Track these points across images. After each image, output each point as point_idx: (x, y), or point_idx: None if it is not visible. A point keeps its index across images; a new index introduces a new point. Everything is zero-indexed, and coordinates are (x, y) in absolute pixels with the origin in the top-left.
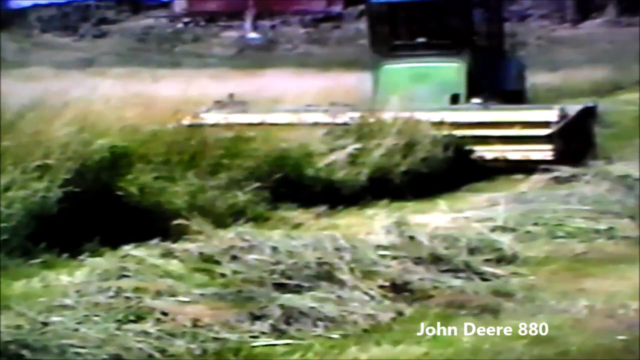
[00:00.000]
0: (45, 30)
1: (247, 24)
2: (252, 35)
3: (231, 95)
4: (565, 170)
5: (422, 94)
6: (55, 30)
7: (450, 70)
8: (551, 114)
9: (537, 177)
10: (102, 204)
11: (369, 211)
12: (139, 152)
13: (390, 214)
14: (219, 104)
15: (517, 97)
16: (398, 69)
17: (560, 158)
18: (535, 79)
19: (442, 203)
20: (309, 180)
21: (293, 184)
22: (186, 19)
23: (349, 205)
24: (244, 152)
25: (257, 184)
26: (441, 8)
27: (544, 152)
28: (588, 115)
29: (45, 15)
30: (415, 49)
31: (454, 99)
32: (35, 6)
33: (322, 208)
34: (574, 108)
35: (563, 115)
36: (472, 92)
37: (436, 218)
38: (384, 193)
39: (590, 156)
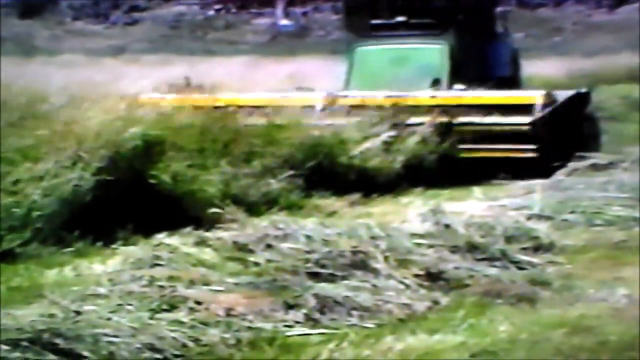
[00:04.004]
0: (77, 18)
1: (279, 10)
2: (284, 22)
3: (187, 79)
4: (602, 157)
5: (400, 78)
6: (86, 17)
7: (432, 53)
8: (535, 99)
9: (574, 164)
10: (134, 192)
11: (404, 199)
12: (172, 140)
13: (425, 201)
14: (174, 88)
15: (509, 84)
16: (374, 51)
17: (545, 149)
18: (572, 64)
19: (477, 191)
20: (343, 167)
21: (327, 172)
22: (217, 6)
23: (384, 193)
24: (277, 139)
25: (291, 172)
26: None
27: (525, 142)
28: (580, 102)
29: (77, 3)
30: (394, 29)
31: (435, 84)
32: None
33: (356, 196)
34: (564, 94)
35: (551, 101)
36: (455, 77)
37: (471, 206)
38: (419, 180)
39: (588, 146)
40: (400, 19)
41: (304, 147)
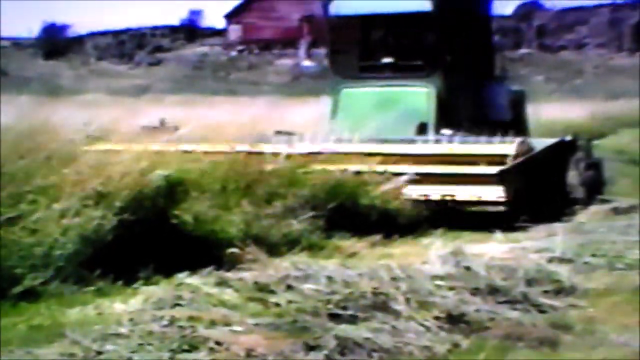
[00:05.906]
0: (102, 58)
1: (302, 51)
2: (307, 63)
3: (162, 121)
4: (623, 201)
5: (385, 122)
6: (111, 57)
7: (418, 96)
8: (505, 149)
9: (595, 208)
10: (156, 232)
11: (425, 240)
12: (195, 181)
13: (446, 243)
14: (148, 129)
15: (509, 128)
16: (360, 94)
17: (519, 201)
18: (594, 107)
19: (498, 233)
20: (364, 208)
21: (348, 213)
22: (240, 47)
23: (404, 234)
24: (299, 180)
25: (312, 213)
26: (413, 23)
27: (494, 193)
28: (566, 150)
29: (102, 43)
30: (380, 71)
31: (422, 129)
32: (92, 34)
33: (377, 237)
34: (544, 142)
35: (527, 150)
36: (444, 121)
37: (492, 248)
38: (440, 222)
39: (590, 194)
40: (387, 60)
41: (325, 187)
